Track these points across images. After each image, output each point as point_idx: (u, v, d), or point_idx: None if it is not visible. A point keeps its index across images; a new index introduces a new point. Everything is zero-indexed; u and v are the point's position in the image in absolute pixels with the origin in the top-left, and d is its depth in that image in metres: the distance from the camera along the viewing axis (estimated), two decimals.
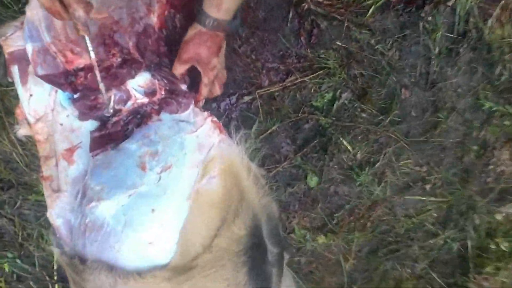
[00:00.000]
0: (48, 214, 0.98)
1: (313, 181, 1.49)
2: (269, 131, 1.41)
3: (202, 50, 0.94)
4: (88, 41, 0.89)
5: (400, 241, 1.60)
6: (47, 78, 0.93)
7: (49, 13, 0.77)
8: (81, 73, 0.96)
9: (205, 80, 0.99)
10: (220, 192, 1.04)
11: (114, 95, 1.05)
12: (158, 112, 1.11)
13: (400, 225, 1.57)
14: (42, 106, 0.99)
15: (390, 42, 1.40)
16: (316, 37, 1.39)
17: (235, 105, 1.39)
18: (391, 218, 1.56)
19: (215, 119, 1.12)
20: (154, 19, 1.00)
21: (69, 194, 0.98)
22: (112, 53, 0.99)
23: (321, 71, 1.40)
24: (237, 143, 1.12)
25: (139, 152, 1.00)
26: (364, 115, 1.48)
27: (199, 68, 0.97)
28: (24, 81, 0.98)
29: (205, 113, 1.11)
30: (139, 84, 1.05)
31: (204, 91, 1.02)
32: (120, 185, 0.92)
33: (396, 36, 1.39)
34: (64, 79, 0.94)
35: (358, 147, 1.48)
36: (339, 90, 1.43)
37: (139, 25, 1.00)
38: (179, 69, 0.98)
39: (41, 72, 0.91)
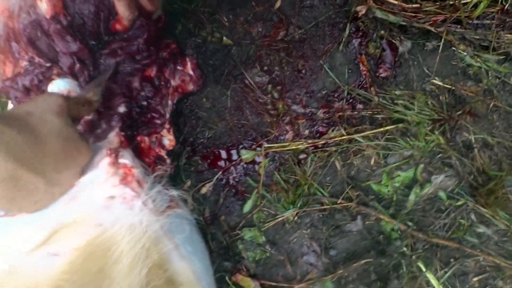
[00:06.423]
0: None
1: None
2: (278, 219, 0.73)
3: None
4: None
5: None
6: (2, 92, 0.66)
7: None
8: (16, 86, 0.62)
9: None
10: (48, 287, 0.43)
11: None
12: None
13: None
14: None
15: None
16: (389, 68, 0.73)
17: (234, 163, 0.80)
18: None
19: (125, 161, 0.55)
20: (44, 7, 0.60)
21: None
22: (21, 55, 0.63)
23: (393, 127, 0.70)
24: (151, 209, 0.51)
25: None
26: (488, 232, 0.64)
27: None
28: None
29: (104, 150, 0.57)
30: None
31: (120, 8, 0.56)
32: None
33: None
34: (9, 93, 0.64)
35: None
36: (427, 168, 0.67)
37: (28, 16, 0.61)
38: None
39: None
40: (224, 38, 0.79)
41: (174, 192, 0.52)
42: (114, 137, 0.56)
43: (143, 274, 0.44)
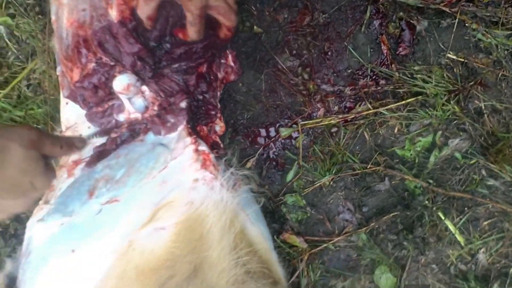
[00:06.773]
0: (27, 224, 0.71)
1: (386, 280, 0.82)
2: (316, 184, 0.85)
3: None
4: None
5: None
6: (70, 99, 0.74)
7: None
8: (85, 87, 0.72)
9: (188, 16, 0.61)
10: (162, 254, 0.56)
11: (113, 104, 0.77)
12: (146, 131, 0.75)
13: None
14: (74, 115, 0.81)
15: None
16: (408, 46, 0.81)
17: (273, 139, 0.91)
18: None
19: (203, 148, 0.67)
20: (114, 13, 0.66)
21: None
22: (89, 58, 0.71)
23: (413, 99, 0.80)
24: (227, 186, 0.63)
25: (99, 175, 0.72)
26: (496, 184, 0.76)
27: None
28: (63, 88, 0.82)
29: (188, 139, 0.68)
30: (117, 90, 0.71)
31: (190, 31, 0.63)
32: (61, 208, 0.65)
33: None
34: (77, 97, 0.73)
35: (477, 239, 0.75)
36: (445, 134, 0.78)
37: (100, 23, 0.69)
38: (144, 9, 0.61)
39: (65, 94, 0.74)
40: (255, 26, 0.86)
41: (242, 172, 0.63)
42: (182, 129, 0.66)
43: (230, 239, 0.56)
